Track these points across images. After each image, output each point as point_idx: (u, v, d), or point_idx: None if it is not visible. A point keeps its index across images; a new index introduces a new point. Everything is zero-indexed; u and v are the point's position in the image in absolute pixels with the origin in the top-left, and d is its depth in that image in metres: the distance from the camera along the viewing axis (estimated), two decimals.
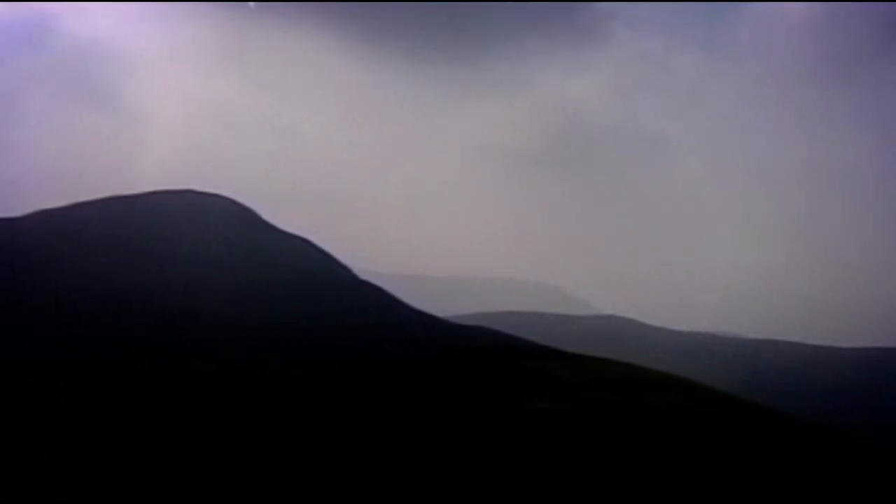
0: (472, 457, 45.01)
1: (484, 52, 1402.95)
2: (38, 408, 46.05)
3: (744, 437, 48.29)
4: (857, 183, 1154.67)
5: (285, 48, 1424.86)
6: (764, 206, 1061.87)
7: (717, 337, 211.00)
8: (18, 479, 37.20)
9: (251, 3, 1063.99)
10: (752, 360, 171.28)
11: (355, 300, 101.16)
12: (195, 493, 37.83)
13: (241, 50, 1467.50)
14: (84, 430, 43.64)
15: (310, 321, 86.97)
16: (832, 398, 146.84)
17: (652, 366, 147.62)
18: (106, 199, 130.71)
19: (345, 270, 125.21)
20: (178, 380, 55.44)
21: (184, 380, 55.47)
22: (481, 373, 58.18)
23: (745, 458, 45.59)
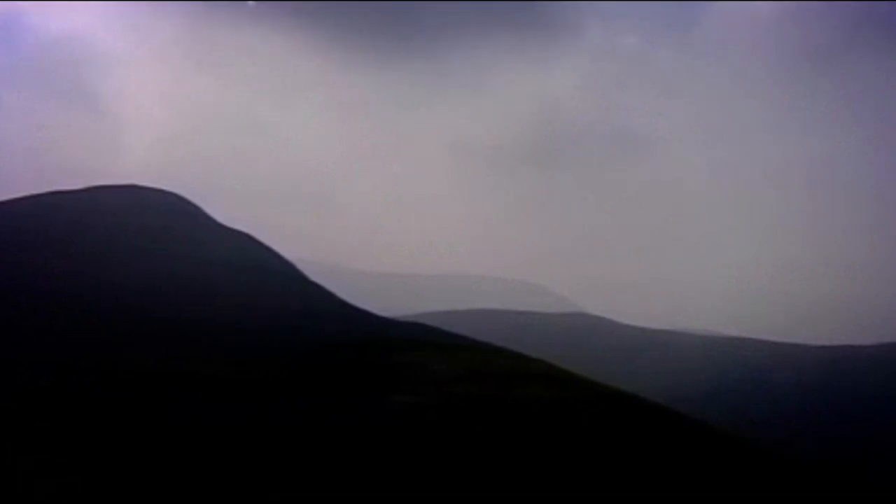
0: (330, 450, 44.01)
1: (458, 51, 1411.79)
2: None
3: (611, 432, 46.91)
4: (837, 179, 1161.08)
5: (261, 47, 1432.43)
6: (744, 204, 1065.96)
7: (692, 335, 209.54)
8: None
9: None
10: (723, 357, 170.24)
11: (286, 298, 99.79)
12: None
13: (216, 48, 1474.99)
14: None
15: (227, 318, 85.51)
16: (799, 396, 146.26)
17: (610, 362, 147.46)
18: (44, 193, 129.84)
19: (288, 267, 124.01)
20: (109, 377, 54.93)
21: (113, 377, 55.00)
22: (359, 366, 56.96)
23: (609, 454, 44.26)
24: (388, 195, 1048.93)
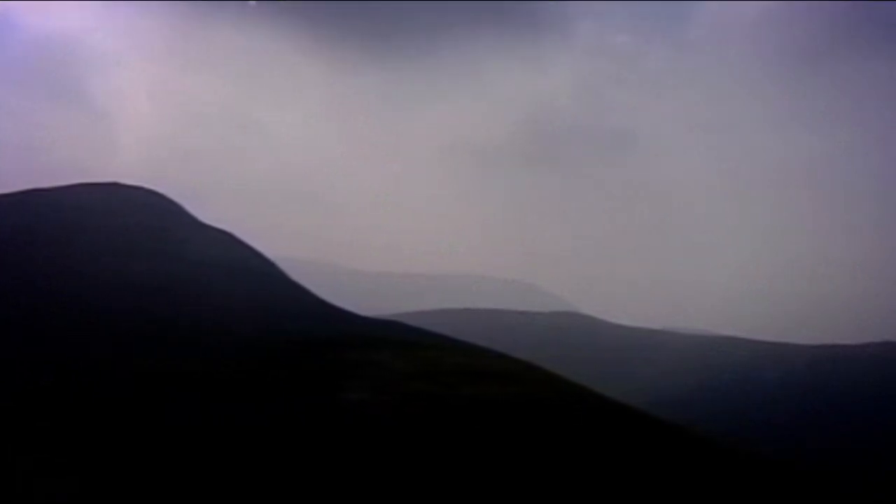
0: (283, 447, 44.51)
1: (450, 50, 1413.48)
2: None
3: (559, 430, 47.19)
4: (834, 179, 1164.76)
5: (254, 47, 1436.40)
6: (740, 203, 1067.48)
7: (686, 335, 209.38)
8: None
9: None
10: (720, 357, 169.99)
11: (262, 297, 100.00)
12: None
13: (209, 47, 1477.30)
14: None
15: (198, 318, 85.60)
16: (799, 396, 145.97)
17: (595, 361, 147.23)
18: (25, 191, 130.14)
19: (268, 265, 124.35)
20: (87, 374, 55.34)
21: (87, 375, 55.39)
22: (319, 364, 57.32)
23: (553, 452, 44.57)
24: (382, 195, 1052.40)
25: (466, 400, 49.19)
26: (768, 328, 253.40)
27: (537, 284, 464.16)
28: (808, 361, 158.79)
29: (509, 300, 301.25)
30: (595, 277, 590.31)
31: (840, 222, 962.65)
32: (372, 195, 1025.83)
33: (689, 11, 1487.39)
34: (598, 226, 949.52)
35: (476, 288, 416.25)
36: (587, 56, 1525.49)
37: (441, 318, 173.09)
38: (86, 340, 73.05)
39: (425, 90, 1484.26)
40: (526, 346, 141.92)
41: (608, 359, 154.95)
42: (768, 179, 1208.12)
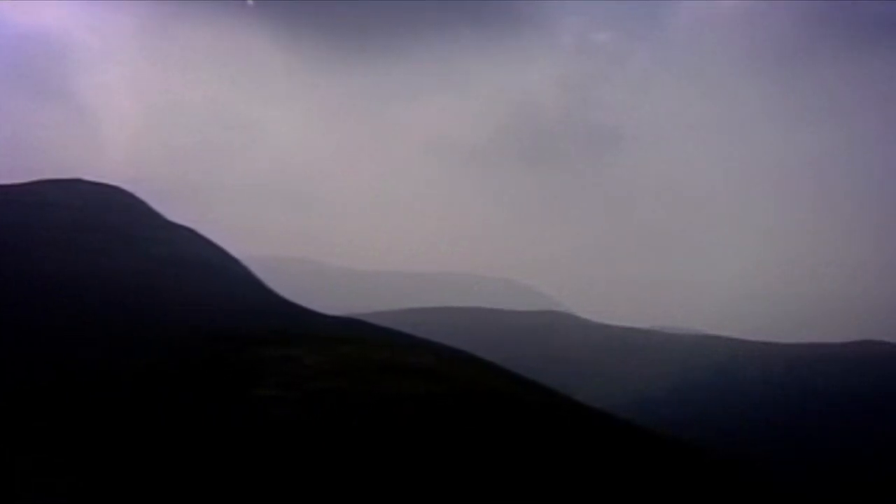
0: (183, 444, 43.05)
1: (434, 49, 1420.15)
2: None
3: (470, 430, 45.23)
4: (827, 178, 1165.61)
5: (242, 46, 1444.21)
6: (734, 200, 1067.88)
7: (678, 335, 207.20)
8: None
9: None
10: (699, 356, 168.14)
11: (211, 295, 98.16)
12: None
13: (195, 45, 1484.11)
14: None
15: (133, 315, 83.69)
16: (764, 393, 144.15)
17: (568, 359, 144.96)
18: None
19: (231, 263, 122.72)
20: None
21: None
22: (235, 361, 55.53)
23: (473, 453, 42.68)
24: (372, 193, 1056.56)
25: (376, 397, 47.31)
26: (765, 328, 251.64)
27: (529, 283, 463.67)
28: (807, 361, 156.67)
29: (499, 299, 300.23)
30: (588, 277, 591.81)
31: (839, 222, 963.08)
32: (361, 193, 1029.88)
33: (675, 7, 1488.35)
34: (592, 225, 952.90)
35: (468, 287, 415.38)
36: (572, 53, 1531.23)
37: (421, 316, 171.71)
38: (42, 339, 71.64)
39: (410, 89, 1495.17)
40: (504, 345, 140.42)
41: (590, 358, 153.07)
42: (762, 177, 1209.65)
